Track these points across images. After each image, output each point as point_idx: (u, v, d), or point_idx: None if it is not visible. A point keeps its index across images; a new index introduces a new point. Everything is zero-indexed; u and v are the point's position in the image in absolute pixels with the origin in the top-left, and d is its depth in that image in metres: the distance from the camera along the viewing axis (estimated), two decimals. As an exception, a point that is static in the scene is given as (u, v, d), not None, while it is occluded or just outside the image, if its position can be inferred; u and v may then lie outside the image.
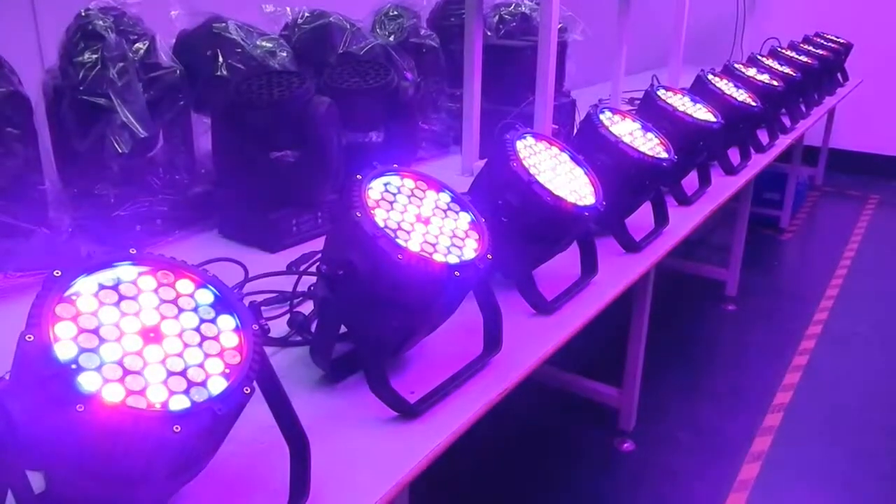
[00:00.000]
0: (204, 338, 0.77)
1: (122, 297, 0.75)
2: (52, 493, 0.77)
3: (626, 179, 1.65)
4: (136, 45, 1.66)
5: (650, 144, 1.76)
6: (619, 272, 1.63)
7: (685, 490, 2.26)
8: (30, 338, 0.67)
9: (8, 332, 0.75)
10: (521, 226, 1.33)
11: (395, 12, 2.52)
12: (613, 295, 1.53)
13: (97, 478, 0.71)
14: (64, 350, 0.68)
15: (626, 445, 2.41)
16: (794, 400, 2.71)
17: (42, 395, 0.66)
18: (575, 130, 2.01)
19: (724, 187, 2.34)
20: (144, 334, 0.74)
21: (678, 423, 2.57)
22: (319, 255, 1.20)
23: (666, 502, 2.21)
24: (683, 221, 1.98)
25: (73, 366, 0.68)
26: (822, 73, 3.69)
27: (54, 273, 0.73)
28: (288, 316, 1.29)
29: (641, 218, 1.86)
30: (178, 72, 1.71)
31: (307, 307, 1.35)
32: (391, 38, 2.42)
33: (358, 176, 1.07)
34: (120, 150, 1.57)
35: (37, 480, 0.73)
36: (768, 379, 2.85)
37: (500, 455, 2.37)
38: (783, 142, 2.98)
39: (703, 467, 2.35)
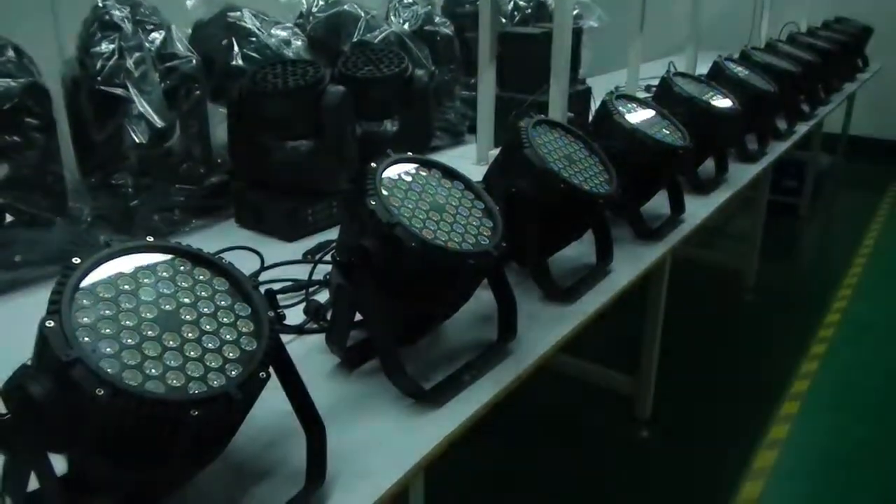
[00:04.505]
0: (221, 324, 0.78)
1: (139, 285, 0.76)
2: (74, 475, 0.78)
3: (641, 167, 1.64)
4: (153, 35, 1.67)
5: (666, 132, 1.75)
6: (634, 260, 1.62)
7: (701, 478, 2.25)
8: (50, 324, 0.69)
9: (29, 319, 0.76)
10: (536, 214, 1.33)
11: (410, 0, 2.51)
12: (628, 283, 1.53)
13: (117, 461, 0.72)
14: (84, 336, 0.70)
15: (642, 433, 2.41)
16: (812, 388, 2.69)
17: (63, 380, 0.67)
18: (590, 118, 2.00)
19: (741, 175, 2.32)
20: (162, 321, 0.75)
21: (694, 411, 2.56)
22: (335, 244, 1.21)
23: (682, 490, 2.21)
24: (700, 209, 1.96)
25: (93, 351, 0.69)
26: (841, 59, 3.65)
27: (74, 261, 0.74)
28: (304, 304, 1.30)
29: (657, 205, 1.85)
30: (193, 61, 1.72)
31: (323, 296, 1.36)
32: (405, 26, 2.41)
33: (373, 164, 1.07)
34: (137, 141, 1.59)
35: (59, 463, 0.74)
36: (786, 367, 2.83)
37: (515, 442, 2.38)
38: (802, 128, 2.94)
39: (719, 455, 2.35)
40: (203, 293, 0.80)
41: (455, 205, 1.12)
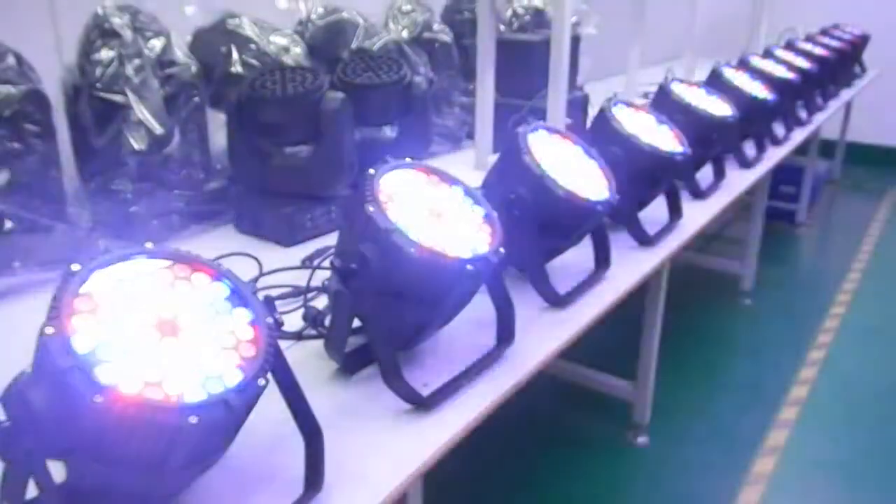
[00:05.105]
0: (219, 331, 0.79)
1: (138, 291, 0.77)
2: (73, 482, 0.78)
3: (639, 173, 1.65)
4: (152, 41, 1.67)
5: (664, 138, 1.75)
6: (632, 266, 1.63)
7: (700, 483, 2.25)
8: (50, 330, 0.69)
9: (29, 325, 0.77)
10: (534, 220, 1.33)
11: (409, 7, 2.52)
12: (627, 288, 1.53)
13: (115, 467, 0.72)
14: (83, 342, 0.70)
15: (640, 439, 2.41)
16: (811, 394, 2.69)
17: (62, 387, 0.67)
18: (588, 124, 2.01)
19: (739, 180, 2.32)
20: (161, 327, 0.75)
21: (693, 416, 2.56)
22: (333, 250, 1.21)
23: (680, 496, 2.21)
24: (698, 215, 1.97)
25: (92, 358, 0.69)
26: (838, 65, 3.66)
27: (73, 267, 0.74)
28: (302, 310, 1.30)
29: (655, 211, 1.85)
30: (193, 68, 1.73)
31: (321, 302, 1.37)
32: (404, 33, 2.42)
33: (371, 170, 1.07)
34: (136, 147, 1.59)
35: (58, 470, 0.74)
36: (784, 373, 2.83)
37: (513, 448, 2.38)
38: (799, 135, 2.95)
39: (718, 461, 2.35)
40: (202, 299, 0.80)
41: (453, 211, 1.13)
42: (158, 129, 1.61)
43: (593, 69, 2.85)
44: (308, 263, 1.56)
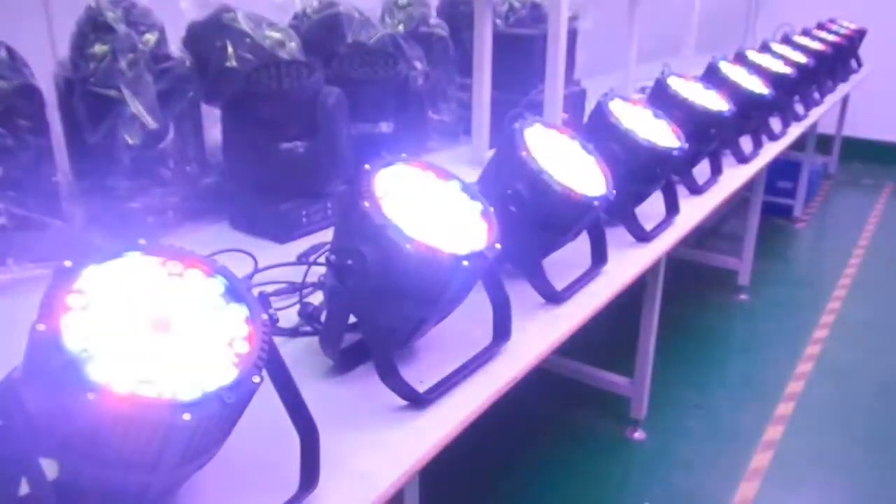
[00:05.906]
0: (213, 328, 0.78)
1: (132, 288, 0.76)
2: (65, 480, 0.78)
3: (636, 168, 1.64)
4: (146, 36, 1.66)
5: (661, 133, 1.75)
6: (629, 261, 1.62)
7: (696, 479, 2.26)
8: (41, 328, 0.68)
9: (21, 322, 0.76)
10: (531, 215, 1.33)
11: (405, 1, 2.51)
12: (623, 284, 1.53)
13: (109, 465, 0.72)
14: (75, 339, 0.69)
15: (637, 434, 2.41)
16: (807, 389, 2.70)
17: (54, 384, 0.67)
18: (585, 119, 2.01)
19: (735, 176, 2.32)
20: (154, 324, 0.75)
21: (690, 412, 2.56)
22: (329, 246, 1.21)
23: (677, 491, 2.21)
24: (694, 210, 1.97)
25: (84, 355, 0.69)
26: (835, 60, 3.66)
27: (65, 264, 0.73)
28: (298, 306, 1.29)
29: (652, 207, 1.85)
30: (187, 63, 1.72)
31: (317, 298, 1.36)
32: (400, 28, 2.41)
33: (367, 166, 1.07)
34: (130, 143, 1.58)
35: (50, 468, 0.74)
36: (781, 368, 2.84)
37: (510, 444, 2.38)
38: (796, 130, 2.95)
39: (714, 456, 2.35)
40: (196, 296, 0.80)
41: (450, 207, 1.12)
42: (153, 125, 1.59)
43: (590, 64, 2.84)
44: (304, 260, 1.56)
